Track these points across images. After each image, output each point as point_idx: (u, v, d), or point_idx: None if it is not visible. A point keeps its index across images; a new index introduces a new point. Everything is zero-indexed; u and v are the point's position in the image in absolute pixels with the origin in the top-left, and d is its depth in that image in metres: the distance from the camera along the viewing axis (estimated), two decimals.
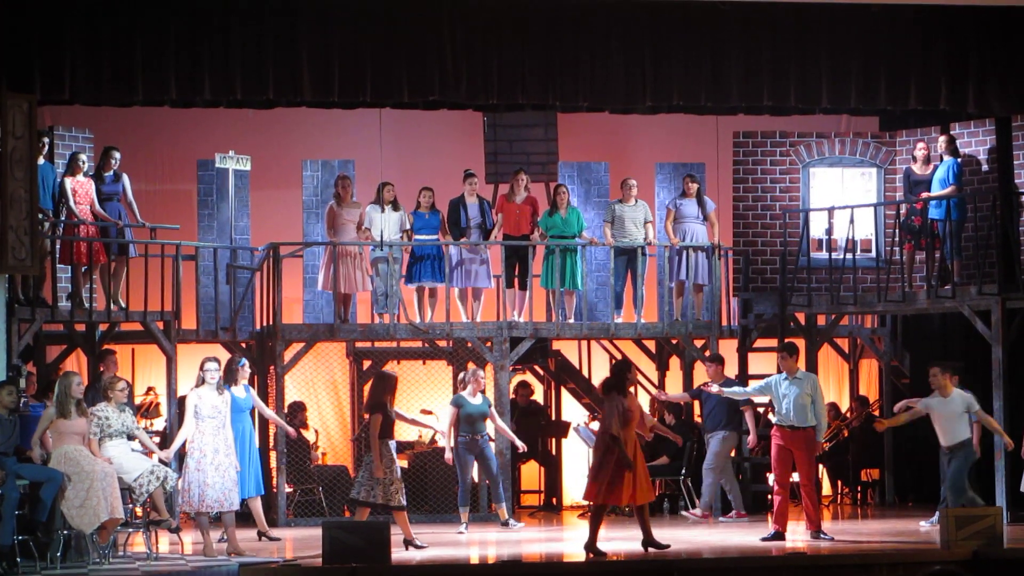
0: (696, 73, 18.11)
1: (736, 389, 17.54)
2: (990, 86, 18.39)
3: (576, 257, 19.67)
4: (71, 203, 18.29)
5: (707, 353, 19.51)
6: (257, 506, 16.98)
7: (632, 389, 15.39)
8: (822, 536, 16.20)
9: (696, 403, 19.46)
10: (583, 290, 19.88)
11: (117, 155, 18.88)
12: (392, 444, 15.95)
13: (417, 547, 15.81)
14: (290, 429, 18.25)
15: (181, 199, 21.57)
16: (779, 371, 16.37)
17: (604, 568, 14.79)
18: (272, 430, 19.15)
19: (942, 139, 19.60)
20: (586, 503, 16.37)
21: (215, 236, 20.17)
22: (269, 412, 17.99)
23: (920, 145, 19.88)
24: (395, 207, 19.60)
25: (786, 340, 18.12)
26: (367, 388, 16.26)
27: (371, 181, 20.28)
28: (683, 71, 18.08)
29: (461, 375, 18.43)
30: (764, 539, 16.24)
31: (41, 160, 17.43)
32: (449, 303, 19.59)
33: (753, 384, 17.25)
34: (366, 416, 16.33)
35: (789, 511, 16.43)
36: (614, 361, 16.75)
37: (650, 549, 15.15)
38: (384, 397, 15.89)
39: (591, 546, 14.92)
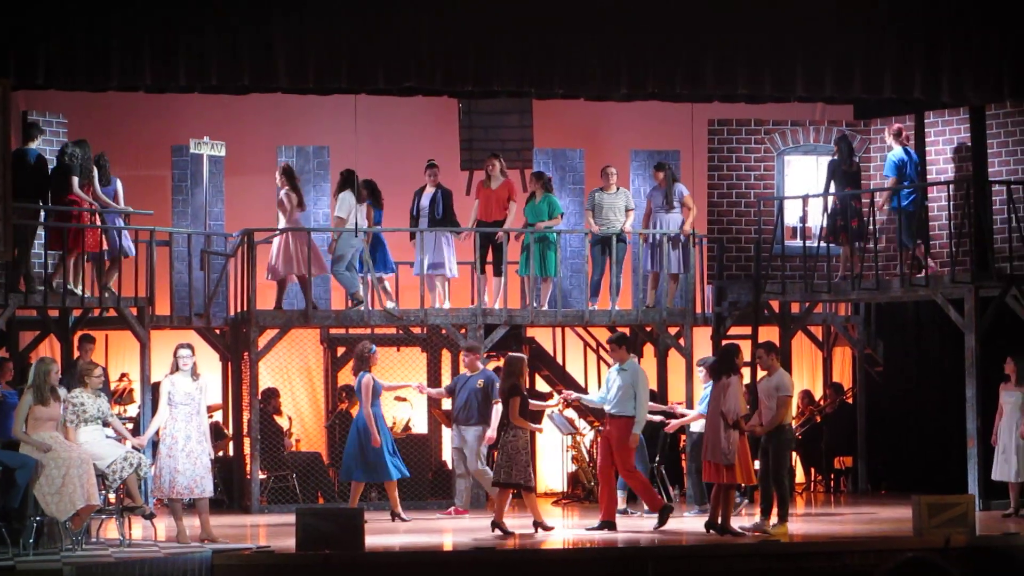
0: (671, 61, 18.08)
1: (588, 397, 17.74)
2: (964, 76, 18.40)
3: (551, 245, 19.66)
4: (79, 191, 18.22)
5: (683, 337, 19.53)
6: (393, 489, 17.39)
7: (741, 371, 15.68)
8: (604, 527, 16.18)
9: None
10: (558, 277, 19.88)
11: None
12: None
13: (546, 528, 16.00)
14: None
15: (155, 185, 21.49)
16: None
17: (580, 556, 14.82)
18: (246, 416, 19.16)
19: (889, 131, 19.79)
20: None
21: (189, 222, 20.13)
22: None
23: (833, 149, 20.00)
24: (360, 197, 19.50)
25: (618, 330, 18.33)
26: (504, 373, 16.36)
27: (345, 167, 20.22)
28: (658, 58, 18.05)
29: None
30: (589, 528, 16.29)
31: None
32: (423, 289, 19.58)
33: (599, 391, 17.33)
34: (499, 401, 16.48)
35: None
36: (723, 345, 16.62)
37: (711, 531, 15.44)
38: (518, 380, 16.06)
39: (723, 526, 15.35)
